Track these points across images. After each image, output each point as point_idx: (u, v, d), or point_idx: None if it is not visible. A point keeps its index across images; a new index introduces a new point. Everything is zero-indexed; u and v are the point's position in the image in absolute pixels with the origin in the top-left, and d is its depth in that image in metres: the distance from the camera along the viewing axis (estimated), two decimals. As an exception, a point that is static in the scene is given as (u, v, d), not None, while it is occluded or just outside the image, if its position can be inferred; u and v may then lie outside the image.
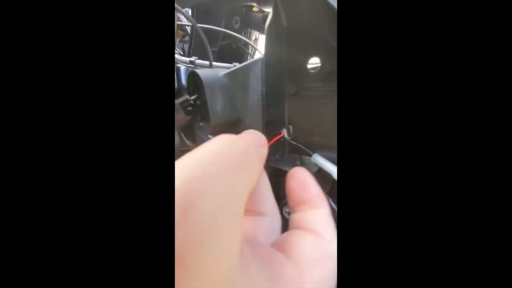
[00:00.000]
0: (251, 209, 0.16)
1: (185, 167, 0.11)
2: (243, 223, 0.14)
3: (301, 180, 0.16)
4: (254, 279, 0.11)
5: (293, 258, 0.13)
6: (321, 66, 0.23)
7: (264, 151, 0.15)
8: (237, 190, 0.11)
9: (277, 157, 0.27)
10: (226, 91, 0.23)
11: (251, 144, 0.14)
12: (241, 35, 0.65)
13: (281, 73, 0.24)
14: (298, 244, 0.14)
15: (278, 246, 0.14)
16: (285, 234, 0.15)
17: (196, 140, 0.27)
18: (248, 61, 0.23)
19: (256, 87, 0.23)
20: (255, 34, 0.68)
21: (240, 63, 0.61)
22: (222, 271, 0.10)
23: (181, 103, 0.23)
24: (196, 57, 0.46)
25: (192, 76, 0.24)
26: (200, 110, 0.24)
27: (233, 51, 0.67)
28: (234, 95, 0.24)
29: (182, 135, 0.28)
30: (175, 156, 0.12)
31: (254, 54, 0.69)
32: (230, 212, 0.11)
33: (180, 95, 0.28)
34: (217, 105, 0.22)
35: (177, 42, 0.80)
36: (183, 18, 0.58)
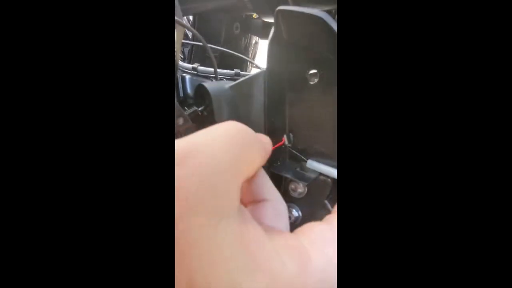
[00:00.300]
0: (255, 199, 0.17)
1: (194, 135, 0.12)
2: (249, 212, 0.14)
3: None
4: (251, 232, 0.12)
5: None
6: (320, 77, 0.24)
7: (268, 147, 0.16)
8: (238, 163, 0.12)
9: (278, 163, 0.28)
10: (232, 103, 0.25)
11: (258, 136, 0.15)
12: (241, 40, 0.67)
13: (282, 83, 0.26)
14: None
15: None
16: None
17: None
18: (252, 74, 0.25)
19: (259, 97, 0.24)
20: (255, 39, 0.70)
21: (240, 68, 0.62)
22: (221, 213, 0.11)
23: (190, 114, 0.24)
24: (198, 64, 0.47)
25: (200, 88, 0.25)
26: (207, 120, 0.26)
27: (233, 56, 0.68)
28: (239, 106, 0.25)
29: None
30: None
31: (254, 58, 0.70)
32: (228, 173, 0.11)
33: (186, 104, 0.29)
34: (223, 116, 0.24)
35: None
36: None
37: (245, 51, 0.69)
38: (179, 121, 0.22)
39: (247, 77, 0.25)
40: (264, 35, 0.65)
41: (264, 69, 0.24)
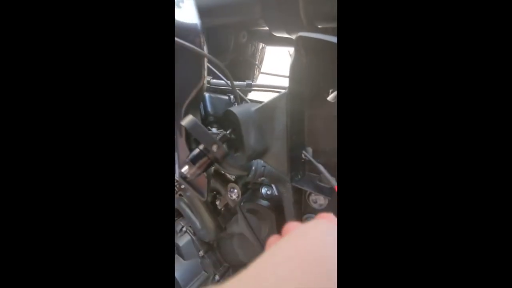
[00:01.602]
0: None
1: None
2: None
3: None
4: None
5: None
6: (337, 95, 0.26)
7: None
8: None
9: (299, 177, 0.30)
10: (257, 125, 0.26)
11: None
12: (248, 47, 0.68)
13: (302, 103, 0.27)
14: None
15: None
16: None
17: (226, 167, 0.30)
18: (275, 97, 0.26)
19: (281, 118, 0.26)
20: (262, 45, 0.70)
21: (248, 75, 0.63)
22: None
23: (221, 138, 0.25)
24: (211, 77, 0.48)
25: (228, 114, 0.27)
26: (235, 143, 0.27)
27: (240, 64, 0.69)
28: (263, 128, 0.27)
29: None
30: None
31: (261, 64, 0.71)
32: None
33: (208, 122, 0.31)
34: (250, 138, 0.25)
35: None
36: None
37: (252, 57, 0.70)
38: (214, 148, 0.24)
39: (270, 99, 0.27)
40: (270, 42, 0.66)
41: (285, 91, 0.26)
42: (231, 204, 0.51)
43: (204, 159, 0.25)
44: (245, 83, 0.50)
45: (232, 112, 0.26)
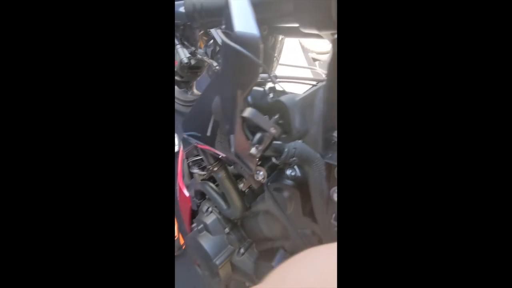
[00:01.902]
0: None
1: None
2: None
3: None
4: None
5: None
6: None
7: None
8: None
9: (330, 155, 0.35)
10: (301, 111, 0.31)
11: None
12: (268, 39, 0.71)
13: (335, 94, 0.32)
14: None
15: None
16: None
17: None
18: (315, 88, 0.31)
19: (319, 105, 0.31)
20: (281, 37, 0.74)
21: (266, 65, 0.67)
22: None
23: (274, 122, 0.31)
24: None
25: (277, 102, 0.32)
26: (283, 127, 0.33)
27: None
28: (305, 113, 0.32)
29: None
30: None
31: (280, 56, 0.75)
32: None
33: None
34: (296, 122, 0.31)
35: (201, 47, 0.86)
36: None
37: (272, 50, 0.74)
38: (272, 130, 0.29)
39: (311, 89, 0.32)
40: (290, 34, 0.70)
41: (324, 83, 0.31)
42: (255, 186, 0.57)
43: (266, 139, 0.31)
44: (272, 75, 0.55)
45: (281, 101, 0.31)
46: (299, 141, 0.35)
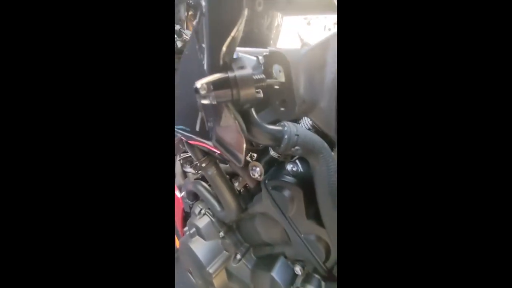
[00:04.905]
0: None
1: None
2: None
3: None
4: None
5: None
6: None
7: None
8: None
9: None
10: (306, 71, 0.23)
11: None
12: (263, 18, 0.63)
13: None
14: None
15: None
16: None
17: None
18: (324, 38, 0.23)
19: (331, 65, 0.22)
20: (278, 19, 0.66)
21: (263, 47, 0.59)
22: None
23: (257, 80, 0.21)
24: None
25: (274, 55, 0.23)
26: (281, 94, 0.24)
27: (256, 36, 0.65)
28: (313, 75, 0.23)
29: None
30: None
31: (277, 38, 0.68)
32: None
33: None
34: (300, 85, 0.22)
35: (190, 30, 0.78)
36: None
37: (268, 30, 0.66)
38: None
39: (320, 41, 0.23)
40: (287, 12, 0.62)
41: (335, 31, 0.22)
42: (251, 185, 0.50)
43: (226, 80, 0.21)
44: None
45: (280, 53, 0.22)
46: (303, 122, 0.26)
